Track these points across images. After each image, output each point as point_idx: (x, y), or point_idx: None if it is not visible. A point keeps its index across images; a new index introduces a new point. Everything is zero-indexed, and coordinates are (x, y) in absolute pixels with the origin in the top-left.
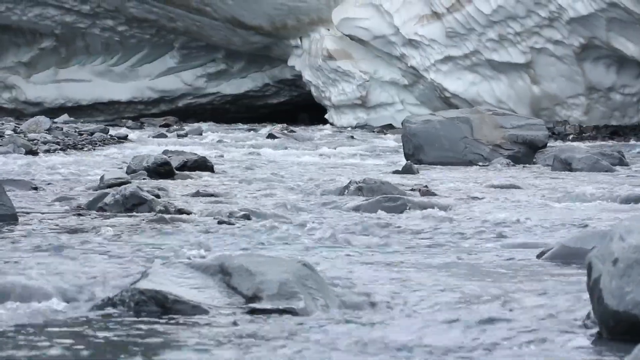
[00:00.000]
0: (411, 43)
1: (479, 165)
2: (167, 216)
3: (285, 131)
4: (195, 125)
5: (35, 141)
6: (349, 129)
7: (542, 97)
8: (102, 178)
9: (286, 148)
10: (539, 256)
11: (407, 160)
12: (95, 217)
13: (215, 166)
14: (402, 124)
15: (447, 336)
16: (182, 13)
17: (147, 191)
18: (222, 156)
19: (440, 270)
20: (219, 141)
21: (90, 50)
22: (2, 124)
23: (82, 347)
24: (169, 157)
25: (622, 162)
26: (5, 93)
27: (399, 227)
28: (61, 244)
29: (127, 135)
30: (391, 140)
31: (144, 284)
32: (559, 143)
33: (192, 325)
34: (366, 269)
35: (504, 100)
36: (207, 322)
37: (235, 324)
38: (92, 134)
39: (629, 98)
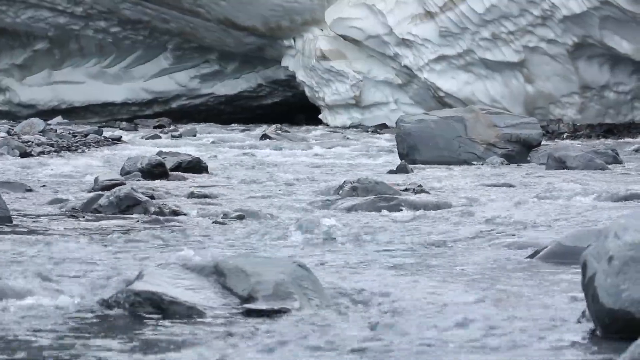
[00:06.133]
0: (405, 43)
1: (473, 164)
2: (161, 217)
3: (280, 132)
4: (190, 126)
5: (29, 143)
6: (345, 129)
7: (536, 95)
8: (96, 180)
9: (280, 149)
10: (534, 254)
11: (401, 159)
12: (90, 219)
13: (209, 167)
14: (396, 123)
15: (441, 335)
16: (175, 14)
17: (142, 192)
18: (216, 157)
19: (434, 270)
20: (213, 142)
21: (84, 52)
22: None
23: (76, 348)
24: (163, 158)
25: (616, 160)
26: None
27: (393, 227)
28: (55, 245)
29: (121, 137)
30: (385, 140)
31: (139, 285)
32: (553, 142)
33: (188, 326)
34: (361, 269)
35: (498, 99)
36: (203, 322)
37: (230, 324)
38: (86, 135)
39: (623, 96)
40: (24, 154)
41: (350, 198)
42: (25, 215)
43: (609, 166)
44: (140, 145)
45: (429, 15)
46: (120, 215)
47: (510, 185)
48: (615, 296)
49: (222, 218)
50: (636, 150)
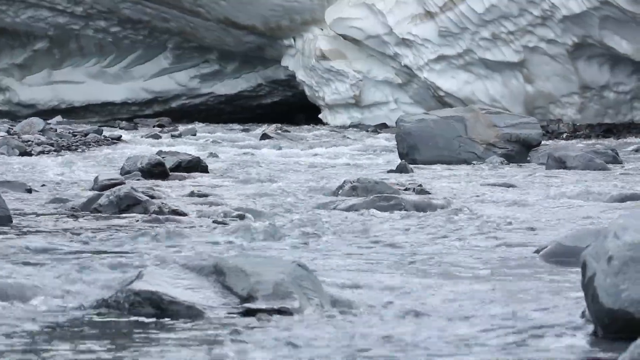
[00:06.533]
0: (404, 42)
1: (473, 164)
2: (161, 217)
3: (279, 131)
4: (189, 125)
5: (29, 142)
6: (344, 128)
7: (536, 95)
8: (96, 179)
9: (280, 148)
10: (533, 255)
11: (401, 159)
12: (90, 219)
13: (209, 166)
14: (396, 123)
15: (440, 335)
16: (175, 14)
17: (142, 192)
18: (216, 156)
19: (434, 269)
20: (213, 142)
21: (84, 52)
22: None
23: (75, 348)
24: (163, 157)
25: (616, 160)
26: None
27: (393, 226)
28: (55, 245)
29: (121, 136)
30: (385, 140)
31: (139, 285)
32: (553, 142)
33: (187, 326)
34: (360, 269)
35: (498, 99)
36: (203, 322)
37: (230, 324)
38: (85, 135)
39: (623, 96)
40: (24, 154)
41: (350, 197)
42: (25, 215)
43: (609, 166)
44: (140, 145)
45: (429, 15)
46: (120, 215)
47: (510, 185)
48: (614, 296)
49: (222, 217)
50: (636, 150)
